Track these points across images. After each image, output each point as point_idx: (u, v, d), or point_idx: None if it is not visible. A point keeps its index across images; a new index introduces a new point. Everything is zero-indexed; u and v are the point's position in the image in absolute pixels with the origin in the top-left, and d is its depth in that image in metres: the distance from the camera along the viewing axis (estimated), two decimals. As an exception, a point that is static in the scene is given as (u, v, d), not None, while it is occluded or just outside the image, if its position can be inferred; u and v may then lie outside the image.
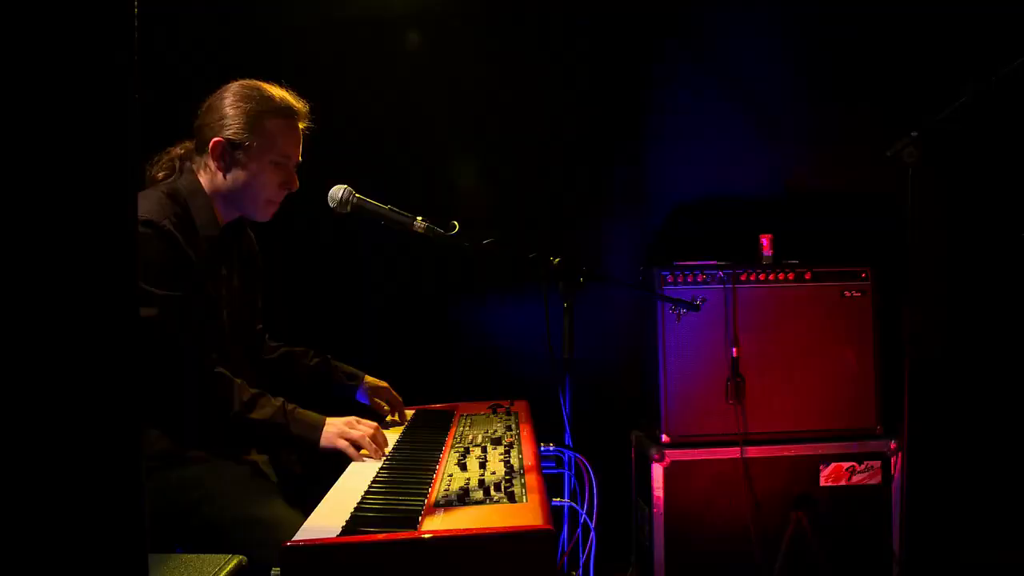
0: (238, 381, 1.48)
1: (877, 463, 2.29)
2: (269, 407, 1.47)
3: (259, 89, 1.56)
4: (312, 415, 1.52)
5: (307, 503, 1.30)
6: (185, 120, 1.61)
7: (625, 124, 2.70)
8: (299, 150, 1.61)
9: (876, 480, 2.30)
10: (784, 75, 2.69)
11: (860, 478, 2.30)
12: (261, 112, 1.53)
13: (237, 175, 1.54)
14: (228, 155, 1.53)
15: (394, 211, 1.63)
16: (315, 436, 1.49)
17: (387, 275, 2.62)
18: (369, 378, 1.85)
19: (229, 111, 1.53)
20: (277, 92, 1.58)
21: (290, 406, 1.50)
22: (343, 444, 1.48)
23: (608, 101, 2.68)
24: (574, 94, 2.66)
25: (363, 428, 1.51)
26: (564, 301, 1.69)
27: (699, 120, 2.67)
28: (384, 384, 1.85)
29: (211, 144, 1.53)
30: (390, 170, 2.50)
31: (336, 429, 1.50)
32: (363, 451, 1.49)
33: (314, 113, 1.63)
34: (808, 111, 2.68)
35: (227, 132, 1.52)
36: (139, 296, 1.35)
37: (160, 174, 1.60)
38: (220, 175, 1.54)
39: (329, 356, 1.84)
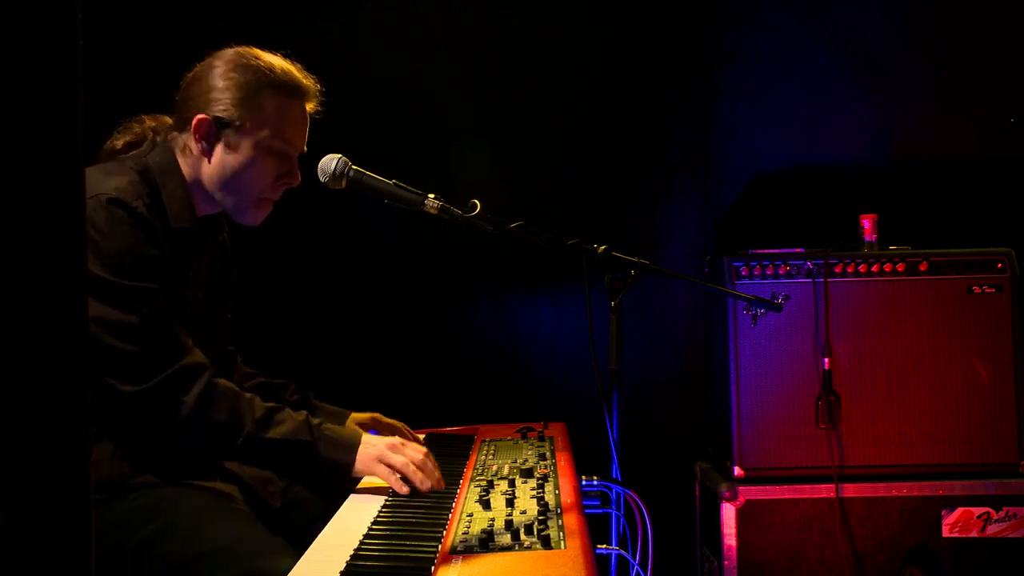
0: (247, 394, 1.47)
1: (1022, 510, 2.24)
2: (290, 421, 1.45)
3: (256, 58, 1.57)
4: (345, 431, 1.51)
5: (292, 545, 1.32)
6: (162, 93, 1.62)
7: (689, 73, 2.67)
8: (304, 137, 1.61)
9: (1020, 533, 2.25)
10: (895, 10, 2.63)
11: (998, 529, 2.25)
12: (259, 85, 1.54)
13: (225, 160, 1.55)
14: (214, 135, 1.54)
15: (400, 186, 1.64)
16: (349, 458, 1.45)
17: (388, 267, 2.64)
18: (356, 415, 1.87)
19: (219, 83, 1.54)
20: (279, 63, 1.58)
21: (315, 420, 1.49)
22: (383, 471, 1.45)
23: (667, 42, 2.65)
24: (622, 33, 2.63)
25: (410, 452, 1.48)
26: (611, 299, 1.70)
27: (784, 69, 2.64)
28: (375, 415, 1.87)
29: (194, 122, 1.54)
30: (391, 139, 2.51)
31: (374, 451, 1.45)
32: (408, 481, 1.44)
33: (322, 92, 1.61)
34: (926, 57, 2.62)
35: (215, 108, 1.53)
36: (116, 296, 1.38)
37: (120, 142, 1.62)
38: (204, 160, 1.56)
39: (311, 393, 1.86)
